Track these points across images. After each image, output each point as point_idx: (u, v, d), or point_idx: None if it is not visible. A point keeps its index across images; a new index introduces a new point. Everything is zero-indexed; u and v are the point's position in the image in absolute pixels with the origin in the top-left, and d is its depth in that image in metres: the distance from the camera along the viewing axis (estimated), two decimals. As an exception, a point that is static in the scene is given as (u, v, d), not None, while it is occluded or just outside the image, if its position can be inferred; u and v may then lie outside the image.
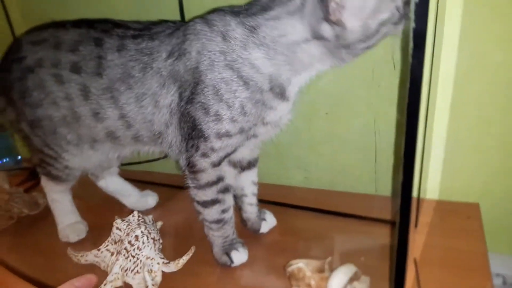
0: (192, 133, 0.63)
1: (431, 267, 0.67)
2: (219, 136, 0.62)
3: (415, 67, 0.36)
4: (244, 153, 0.69)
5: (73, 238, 0.81)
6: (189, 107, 0.62)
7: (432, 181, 0.85)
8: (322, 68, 0.61)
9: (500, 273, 0.86)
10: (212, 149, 0.63)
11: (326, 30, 0.55)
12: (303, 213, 0.83)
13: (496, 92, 0.75)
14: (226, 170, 0.67)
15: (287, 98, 0.63)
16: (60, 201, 0.81)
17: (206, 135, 0.62)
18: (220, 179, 0.66)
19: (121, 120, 0.66)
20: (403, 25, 0.54)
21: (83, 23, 0.70)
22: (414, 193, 0.74)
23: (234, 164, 0.69)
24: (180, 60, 0.62)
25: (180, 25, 0.65)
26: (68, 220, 0.82)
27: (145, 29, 0.66)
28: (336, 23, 0.53)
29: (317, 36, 0.56)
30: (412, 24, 0.35)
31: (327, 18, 0.53)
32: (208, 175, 0.65)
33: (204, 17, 0.62)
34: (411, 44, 0.35)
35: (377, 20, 0.53)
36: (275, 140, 0.71)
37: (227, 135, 0.62)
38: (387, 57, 0.70)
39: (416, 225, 0.77)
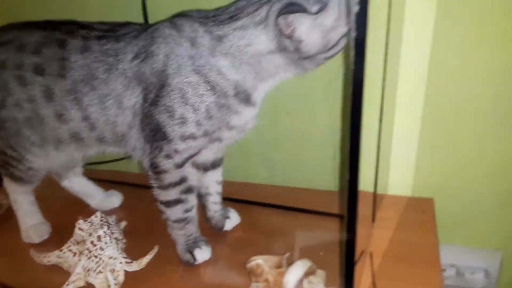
0: (155, 136, 0.64)
1: (386, 259, 0.70)
2: (184, 138, 0.63)
3: (357, 72, 0.39)
4: (208, 156, 0.70)
5: (36, 239, 0.80)
6: (152, 109, 0.62)
7: (391, 178, 0.89)
8: (286, 76, 0.63)
9: (454, 264, 0.91)
10: (176, 151, 0.64)
11: (287, 43, 0.57)
12: (266, 210, 0.85)
13: (450, 94, 0.79)
14: (189, 172, 0.68)
15: (253, 104, 0.64)
16: (23, 202, 0.81)
17: (170, 138, 0.63)
18: (183, 180, 0.67)
19: (85, 121, 0.66)
20: None
21: (48, 24, 0.69)
22: (370, 189, 0.77)
23: (197, 166, 0.70)
24: (146, 62, 0.63)
25: (147, 28, 0.65)
26: (31, 221, 0.81)
27: (110, 31, 0.66)
28: (292, 38, 0.55)
29: (281, 48, 0.58)
30: (353, 33, 0.37)
31: (283, 34, 0.56)
32: (171, 176, 0.66)
33: (173, 22, 0.63)
34: (352, 52, 0.38)
35: (338, 33, 0.55)
36: (240, 139, 0.73)
37: (192, 137, 0.63)
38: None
39: (373, 220, 0.80)
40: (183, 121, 0.62)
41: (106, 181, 0.95)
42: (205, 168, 0.76)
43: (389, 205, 0.85)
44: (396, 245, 0.74)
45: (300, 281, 0.58)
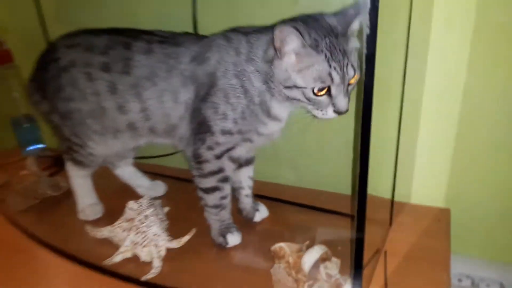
0: (201, 128, 0.74)
1: (398, 259, 0.77)
2: (223, 132, 0.73)
3: (367, 85, 0.47)
4: (241, 152, 0.78)
5: (91, 216, 0.91)
6: (201, 105, 0.73)
7: (415, 188, 0.95)
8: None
9: (469, 275, 0.95)
10: (216, 143, 0.74)
11: (270, 54, 0.66)
12: (292, 208, 0.94)
13: (468, 109, 0.84)
14: (226, 164, 0.77)
15: (276, 118, 0.72)
16: (82, 184, 0.92)
17: (213, 131, 0.73)
18: (220, 170, 0.76)
19: (142, 113, 0.77)
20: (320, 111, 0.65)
21: (112, 30, 0.81)
22: (388, 195, 0.84)
23: (232, 160, 0.78)
24: (201, 65, 0.73)
25: (203, 37, 0.76)
26: (88, 201, 0.93)
27: (170, 37, 0.77)
28: (279, 51, 0.64)
29: None
30: (364, 50, 0.46)
31: (273, 44, 0.64)
32: (211, 166, 0.75)
33: (226, 34, 0.73)
34: (364, 66, 0.47)
35: (300, 79, 0.63)
36: (272, 143, 0.82)
37: (229, 132, 0.73)
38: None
39: (390, 224, 0.87)
40: (224, 117, 0.72)
41: (152, 173, 1.06)
42: (240, 163, 0.85)
43: (408, 212, 0.91)
44: (410, 247, 0.80)
45: (317, 266, 0.66)
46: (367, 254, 0.74)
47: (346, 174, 0.94)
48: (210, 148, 0.74)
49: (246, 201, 0.89)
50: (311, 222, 0.89)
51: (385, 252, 0.78)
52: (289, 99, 0.67)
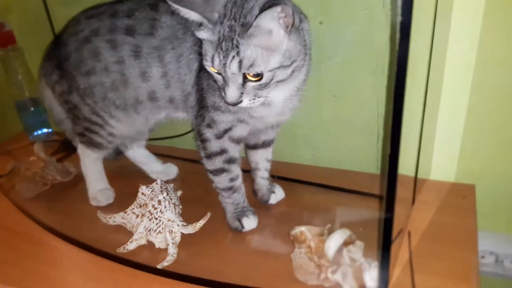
0: (201, 102, 0.72)
1: (423, 239, 0.74)
2: (214, 108, 0.70)
3: (402, 55, 0.43)
4: (241, 133, 0.74)
5: (102, 202, 0.89)
6: (201, 75, 0.71)
7: (435, 164, 0.92)
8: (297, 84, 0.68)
9: (493, 251, 0.92)
10: (213, 120, 0.71)
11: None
12: (309, 188, 0.91)
13: (495, 82, 0.80)
14: (228, 145, 0.74)
15: (268, 103, 0.68)
16: (93, 169, 0.90)
17: (207, 105, 0.71)
18: (223, 151, 0.74)
19: (163, 79, 0.75)
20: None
21: None
22: (411, 173, 0.81)
23: (234, 140, 0.75)
24: None
25: None
26: (99, 186, 0.91)
27: None
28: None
29: None
30: (399, 18, 0.41)
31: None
32: (212, 145, 0.73)
33: None
34: (398, 35, 0.42)
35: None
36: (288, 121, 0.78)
37: (219, 109, 0.70)
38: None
39: (413, 202, 0.83)
40: (214, 91, 0.69)
41: (163, 155, 1.04)
42: (257, 145, 0.83)
43: (430, 189, 0.88)
44: (434, 226, 0.77)
45: (340, 250, 0.63)
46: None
47: (365, 151, 0.91)
48: (209, 126, 0.72)
49: (262, 183, 0.86)
50: (330, 202, 0.86)
51: (409, 232, 0.75)
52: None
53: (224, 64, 0.59)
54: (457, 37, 0.79)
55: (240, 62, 0.59)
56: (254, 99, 0.62)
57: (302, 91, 0.72)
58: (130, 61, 0.75)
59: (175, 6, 0.59)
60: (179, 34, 0.72)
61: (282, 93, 0.67)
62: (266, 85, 0.62)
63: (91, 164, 0.90)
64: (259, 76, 0.60)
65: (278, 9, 0.55)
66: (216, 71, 0.62)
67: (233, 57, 0.59)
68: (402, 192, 0.82)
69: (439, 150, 0.90)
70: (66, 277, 0.75)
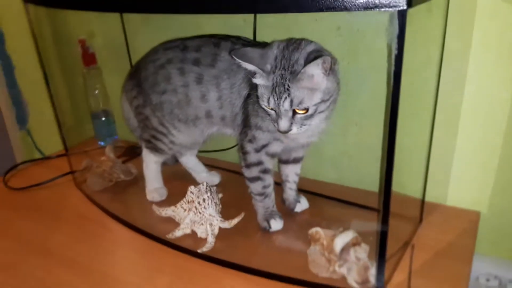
0: (245, 122, 0.88)
1: (424, 252, 0.85)
2: (256, 127, 0.86)
3: (394, 96, 0.58)
4: (276, 149, 0.89)
5: (157, 198, 1.07)
6: (248, 100, 0.87)
7: (451, 191, 1.02)
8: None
9: (497, 276, 1.01)
10: (254, 137, 0.87)
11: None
12: (331, 202, 1.04)
13: (498, 120, 0.91)
14: (264, 158, 0.89)
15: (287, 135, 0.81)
16: (153, 170, 1.08)
17: (250, 125, 0.86)
18: (260, 163, 0.89)
19: (218, 101, 0.91)
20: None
21: (204, 35, 0.96)
22: (419, 196, 0.92)
23: (270, 155, 0.89)
24: None
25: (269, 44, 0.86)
26: (156, 185, 1.09)
27: (250, 43, 0.91)
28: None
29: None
30: (393, 68, 0.56)
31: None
32: (252, 158, 0.89)
33: (276, 43, 0.81)
34: (391, 82, 0.57)
35: None
36: (316, 144, 0.93)
37: (260, 128, 0.86)
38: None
39: (420, 221, 0.95)
40: (257, 113, 0.85)
41: (210, 166, 1.20)
42: (288, 160, 0.98)
43: (441, 212, 0.99)
44: (436, 242, 0.88)
45: (348, 249, 0.77)
46: (395, 246, 0.84)
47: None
48: (250, 141, 0.88)
49: (290, 193, 1.01)
50: (348, 216, 0.98)
51: (413, 245, 0.87)
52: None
53: (278, 103, 0.75)
54: (473, 78, 0.90)
55: (291, 101, 0.75)
56: (301, 127, 0.78)
57: (329, 118, 0.87)
58: (194, 86, 0.92)
59: (238, 60, 0.76)
60: (233, 67, 0.89)
61: (317, 120, 0.82)
62: (311, 116, 0.77)
63: (151, 166, 1.08)
64: (305, 109, 0.76)
65: (321, 60, 0.72)
66: (269, 108, 0.78)
67: (285, 98, 0.75)
68: (410, 211, 0.95)
69: (456, 180, 1.01)
70: (124, 253, 0.93)
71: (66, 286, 0.82)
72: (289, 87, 0.74)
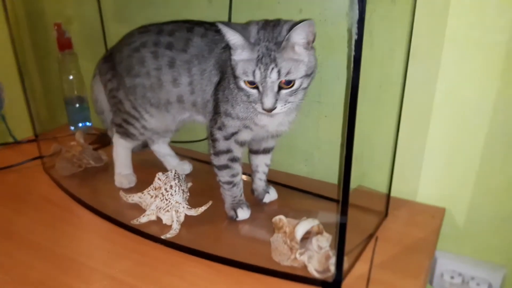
0: (215, 109, 0.87)
1: (387, 244, 0.86)
2: (226, 114, 0.85)
3: (354, 80, 0.58)
4: (245, 137, 0.89)
5: (125, 185, 1.06)
6: (218, 87, 0.86)
7: (421, 188, 1.03)
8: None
9: (461, 273, 1.02)
10: (223, 124, 0.86)
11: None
12: (301, 195, 1.04)
13: (467, 119, 0.92)
14: (234, 146, 0.89)
15: (270, 114, 0.81)
16: (123, 156, 1.08)
17: (220, 111, 0.86)
18: (229, 151, 0.89)
19: (189, 86, 0.91)
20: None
21: (179, 21, 0.96)
22: (385, 190, 0.93)
23: (239, 143, 0.89)
24: (224, 53, 0.86)
25: None
26: (124, 171, 1.08)
27: None
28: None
29: None
30: (352, 53, 0.57)
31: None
32: (221, 145, 0.88)
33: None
34: (351, 66, 0.57)
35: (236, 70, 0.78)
36: (287, 136, 0.93)
37: (230, 115, 0.85)
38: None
39: (386, 215, 0.96)
40: (227, 100, 0.85)
41: (182, 155, 1.20)
42: (258, 151, 0.98)
43: (408, 208, 1.00)
44: (400, 235, 0.89)
45: (310, 238, 0.77)
46: (359, 238, 0.85)
47: (355, 167, 1.04)
48: (219, 128, 0.87)
49: (259, 183, 1.01)
50: (316, 208, 0.98)
51: (376, 238, 0.88)
52: (239, 89, 0.80)
53: (265, 75, 0.75)
54: (444, 77, 0.91)
55: (279, 71, 0.74)
56: (285, 104, 0.77)
57: (299, 109, 0.88)
58: (166, 69, 0.92)
59: (225, 28, 0.76)
60: (205, 53, 0.89)
61: (300, 96, 0.81)
62: (295, 92, 0.77)
63: (121, 152, 1.07)
64: (290, 83, 0.76)
65: (311, 22, 0.72)
66: (251, 87, 0.77)
67: (273, 68, 0.74)
68: (375, 205, 0.96)
69: (425, 178, 1.02)
70: (88, 238, 0.91)
71: (24, 268, 0.81)
72: (276, 57, 0.74)
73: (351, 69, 0.58)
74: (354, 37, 0.56)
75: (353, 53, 0.57)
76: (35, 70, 1.36)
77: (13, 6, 1.11)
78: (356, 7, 0.54)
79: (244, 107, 0.84)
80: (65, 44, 1.31)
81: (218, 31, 0.87)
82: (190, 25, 0.92)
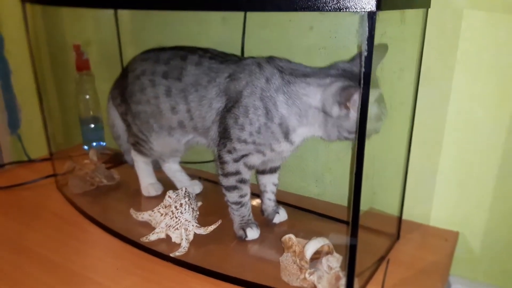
0: (224, 134, 0.87)
1: (399, 267, 0.84)
2: (239, 140, 0.85)
3: (363, 96, 0.59)
4: (255, 162, 0.89)
5: (153, 193, 1.10)
6: (226, 114, 0.86)
7: (433, 212, 1.02)
8: (317, 133, 0.83)
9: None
10: (234, 149, 0.86)
11: (335, 110, 0.77)
12: (312, 217, 1.03)
13: (480, 141, 0.92)
14: (242, 168, 0.88)
15: (290, 141, 0.83)
16: (143, 168, 1.12)
17: (231, 138, 0.86)
18: (238, 172, 0.88)
19: (187, 113, 0.92)
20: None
21: (176, 47, 0.98)
22: (397, 213, 0.92)
23: (247, 166, 0.89)
24: (233, 82, 0.87)
25: (243, 60, 0.89)
26: (149, 181, 1.12)
27: (219, 56, 0.92)
28: (345, 109, 0.76)
29: (324, 110, 0.79)
30: (363, 69, 0.57)
31: (341, 103, 0.76)
32: (230, 167, 0.88)
33: (260, 63, 0.85)
34: (361, 84, 0.58)
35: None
36: (298, 156, 0.93)
37: (244, 142, 0.85)
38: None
39: (398, 238, 0.94)
40: (241, 128, 0.84)
41: (192, 175, 1.20)
42: (265, 171, 0.98)
43: (420, 231, 0.99)
44: (412, 258, 0.88)
45: (320, 258, 0.76)
46: (370, 260, 0.83)
47: (364, 190, 1.03)
48: (229, 151, 0.87)
49: (268, 204, 1.00)
50: (327, 229, 0.97)
51: (388, 260, 0.86)
52: (346, 139, 0.81)
53: None
54: (456, 101, 0.91)
55: None
56: None
57: None
58: (164, 98, 0.93)
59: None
60: (202, 81, 0.89)
61: (305, 133, 0.84)
62: None
63: (141, 165, 1.12)
64: None
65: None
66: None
67: None
68: (386, 227, 0.94)
69: (438, 201, 1.00)
70: (98, 254, 0.92)
71: (33, 281, 0.81)
72: None
73: (361, 85, 0.58)
74: (364, 54, 0.57)
75: (362, 69, 0.57)
76: (52, 90, 1.39)
77: (34, 28, 1.14)
78: (365, 24, 0.55)
79: (269, 135, 0.84)
80: (83, 65, 1.35)
81: (212, 58, 0.90)
82: (184, 53, 0.94)
